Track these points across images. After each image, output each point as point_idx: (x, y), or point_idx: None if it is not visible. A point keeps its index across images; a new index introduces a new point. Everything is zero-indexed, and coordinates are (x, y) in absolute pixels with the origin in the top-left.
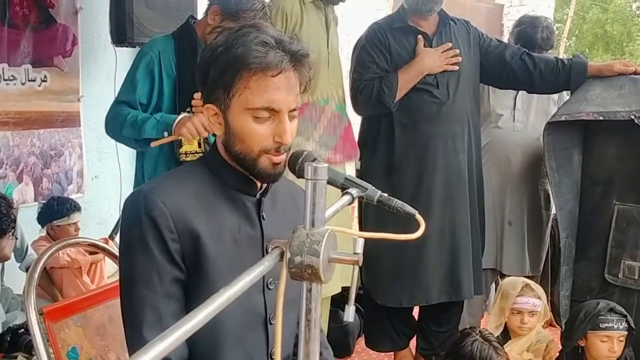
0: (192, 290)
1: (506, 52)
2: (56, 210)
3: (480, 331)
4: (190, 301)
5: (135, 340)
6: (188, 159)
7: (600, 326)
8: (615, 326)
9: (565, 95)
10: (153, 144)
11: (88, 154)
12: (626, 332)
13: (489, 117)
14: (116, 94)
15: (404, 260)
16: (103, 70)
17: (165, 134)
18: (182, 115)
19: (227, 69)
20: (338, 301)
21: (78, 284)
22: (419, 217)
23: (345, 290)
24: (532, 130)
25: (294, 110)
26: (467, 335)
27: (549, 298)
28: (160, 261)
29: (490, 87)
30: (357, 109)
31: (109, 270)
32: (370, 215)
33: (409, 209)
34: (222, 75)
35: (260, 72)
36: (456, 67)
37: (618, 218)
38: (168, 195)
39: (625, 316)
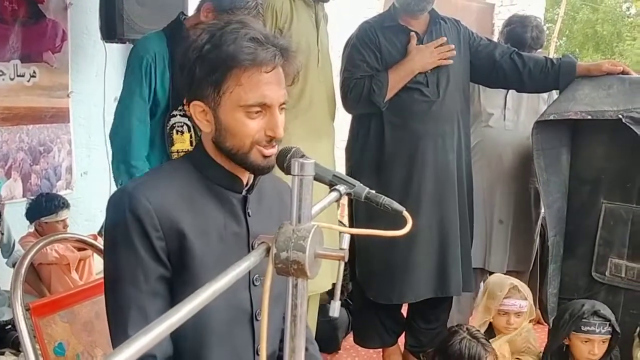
0: (178, 287)
1: (496, 51)
2: (44, 207)
3: (467, 328)
4: (176, 299)
5: (122, 338)
6: None
7: (582, 329)
8: (597, 330)
9: (555, 94)
10: None
11: (77, 150)
12: (609, 336)
13: (479, 116)
14: (105, 91)
15: (394, 258)
16: (93, 66)
17: None
18: None
19: (218, 66)
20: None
21: (66, 281)
22: (406, 214)
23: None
24: (522, 130)
25: (284, 103)
26: (454, 333)
27: (538, 296)
28: (146, 259)
29: (481, 86)
30: (347, 107)
31: (98, 267)
32: (361, 213)
33: (397, 205)
34: (211, 73)
35: (252, 68)
36: (450, 61)
37: (605, 217)
38: (153, 193)
39: (609, 320)
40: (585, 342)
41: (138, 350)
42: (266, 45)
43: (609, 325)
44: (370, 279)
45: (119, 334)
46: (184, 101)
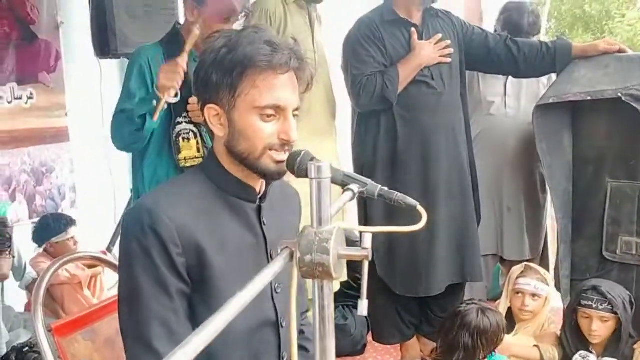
0: (199, 302)
1: (489, 38)
2: (53, 228)
3: (462, 317)
4: (196, 313)
5: (145, 352)
6: (188, 164)
7: (581, 303)
8: (594, 305)
9: (555, 78)
10: (155, 118)
11: (79, 169)
12: (608, 314)
13: (480, 105)
14: (103, 107)
15: (417, 252)
16: (88, 83)
17: (154, 102)
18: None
19: (234, 68)
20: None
21: (79, 299)
22: (420, 208)
23: (343, 285)
24: (524, 115)
25: (297, 109)
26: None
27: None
28: (167, 275)
29: (480, 75)
30: (359, 105)
31: (109, 283)
32: (376, 212)
33: (410, 201)
34: (227, 75)
35: (268, 70)
36: (449, 59)
37: (612, 195)
38: (173, 211)
39: (609, 299)
40: (585, 317)
41: None
42: (282, 49)
43: (608, 303)
44: (395, 275)
45: (140, 348)
46: (197, 105)
